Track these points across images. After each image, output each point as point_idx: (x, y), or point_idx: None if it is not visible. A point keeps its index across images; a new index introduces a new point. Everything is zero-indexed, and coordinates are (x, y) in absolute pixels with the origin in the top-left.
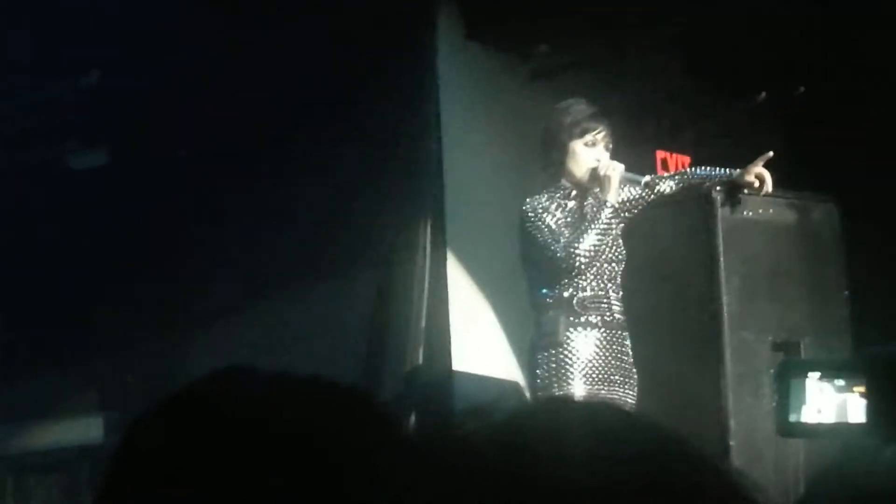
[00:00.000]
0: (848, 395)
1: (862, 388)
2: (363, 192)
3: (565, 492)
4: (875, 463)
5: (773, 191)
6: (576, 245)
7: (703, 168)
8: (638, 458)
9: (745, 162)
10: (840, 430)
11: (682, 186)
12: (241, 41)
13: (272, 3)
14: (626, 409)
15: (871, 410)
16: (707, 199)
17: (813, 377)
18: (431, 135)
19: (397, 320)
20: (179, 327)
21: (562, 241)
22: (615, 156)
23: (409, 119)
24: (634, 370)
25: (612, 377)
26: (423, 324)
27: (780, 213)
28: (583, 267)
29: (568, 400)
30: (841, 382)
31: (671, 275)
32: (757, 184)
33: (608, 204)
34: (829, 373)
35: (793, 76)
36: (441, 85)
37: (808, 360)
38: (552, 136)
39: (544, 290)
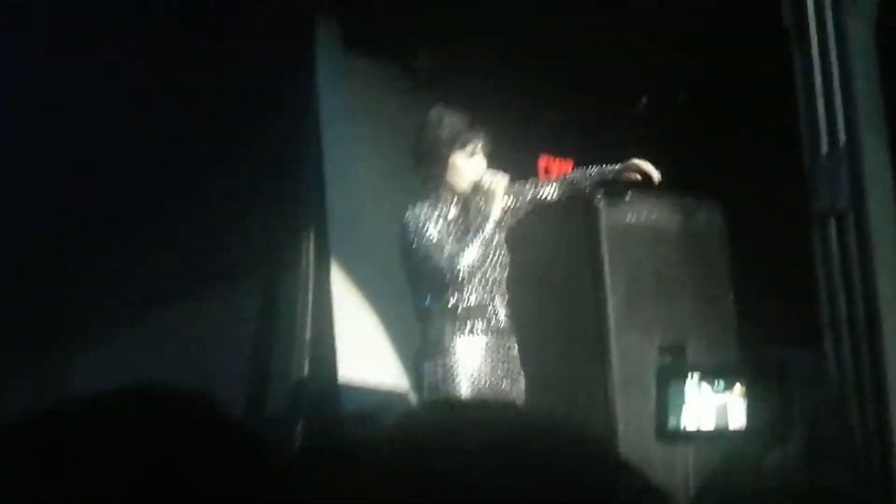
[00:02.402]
0: (728, 399)
1: (741, 392)
2: (244, 204)
3: (459, 488)
4: (758, 468)
5: (657, 195)
6: (458, 258)
7: (582, 169)
8: (531, 450)
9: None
10: (721, 436)
11: (564, 190)
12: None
13: (153, 15)
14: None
15: (750, 415)
16: (590, 206)
17: (692, 381)
18: (312, 145)
19: (282, 332)
20: (60, 343)
21: (445, 252)
22: (496, 162)
23: (290, 130)
24: (522, 375)
25: (499, 384)
26: (308, 335)
27: (664, 216)
28: (465, 279)
29: (454, 400)
30: (720, 386)
31: (557, 280)
32: (638, 177)
33: (492, 217)
34: (708, 377)
35: (675, 81)
36: (321, 95)
37: (686, 365)
38: (429, 150)
39: (428, 300)
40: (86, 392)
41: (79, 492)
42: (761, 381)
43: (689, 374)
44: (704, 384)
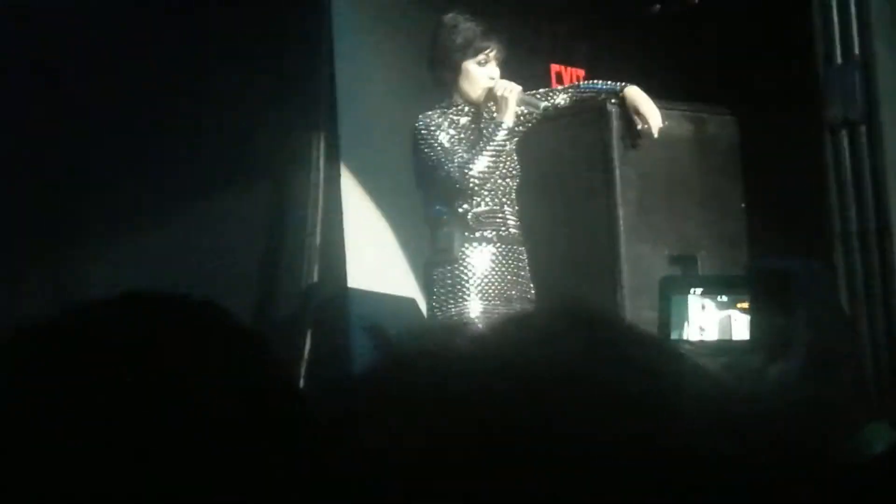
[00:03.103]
0: (731, 312)
1: (745, 304)
2: (252, 109)
3: (484, 398)
4: (760, 382)
5: (669, 104)
6: (470, 166)
7: (595, 82)
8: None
9: (640, 76)
10: (723, 348)
11: (575, 100)
12: None
13: None
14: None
15: (754, 327)
16: (602, 113)
17: (695, 294)
18: (323, 50)
19: (291, 237)
20: (64, 248)
21: (455, 160)
22: (509, 70)
23: (299, 35)
24: (531, 286)
25: (508, 293)
26: (318, 240)
27: (676, 125)
28: (476, 187)
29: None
30: (724, 299)
31: (567, 189)
32: (640, 125)
33: (504, 126)
34: (712, 289)
35: None
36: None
37: (688, 277)
38: (443, 56)
39: (438, 207)
40: (87, 299)
41: (80, 403)
42: (765, 292)
43: (692, 288)
44: (707, 297)
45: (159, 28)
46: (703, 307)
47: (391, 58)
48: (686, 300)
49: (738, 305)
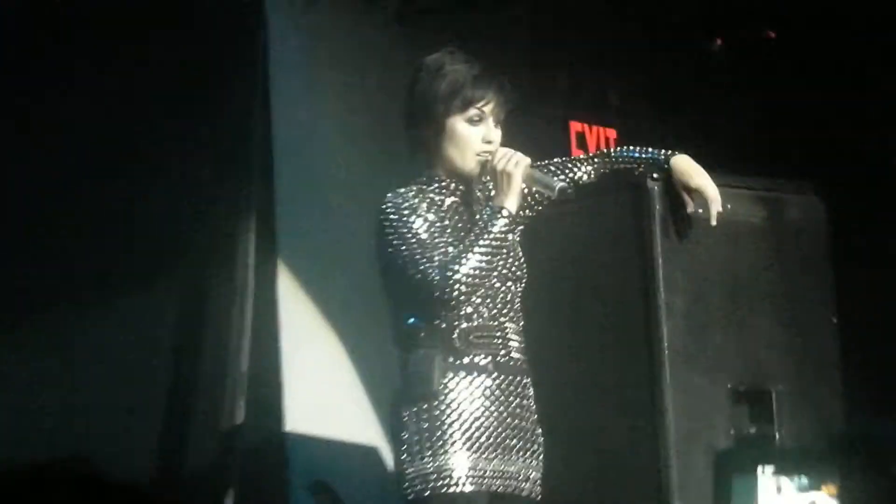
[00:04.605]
0: (816, 497)
1: (833, 488)
2: (169, 186)
3: None
4: None
5: (733, 178)
6: (456, 266)
7: (630, 148)
8: None
9: (691, 141)
10: None
11: (604, 173)
12: None
13: None
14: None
15: None
16: (640, 191)
17: (765, 475)
18: (255, 104)
19: (208, 360)
20: None
21: (436, 257)
22: (512, 131)
23: (229, 84)
24: (539, 430)
25: (507, 442)
26: (245, 365)
27: (743, 209)
28: (465, 295)
29: None
30: (804, 480)
31: (591, 295)
32: (691, 207)
33: (504, 212)
34: (787, 468)
35: (760, 16)
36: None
37: (758, 449)
38: (422, 108)
39: (412, 321)
40: None
41: None
42: (862, 470)
43: (761, 466)
44: (783, 478)
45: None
46: (780, 489)
47: (346, 109)
48: (753, 482)
49: (825, 488)
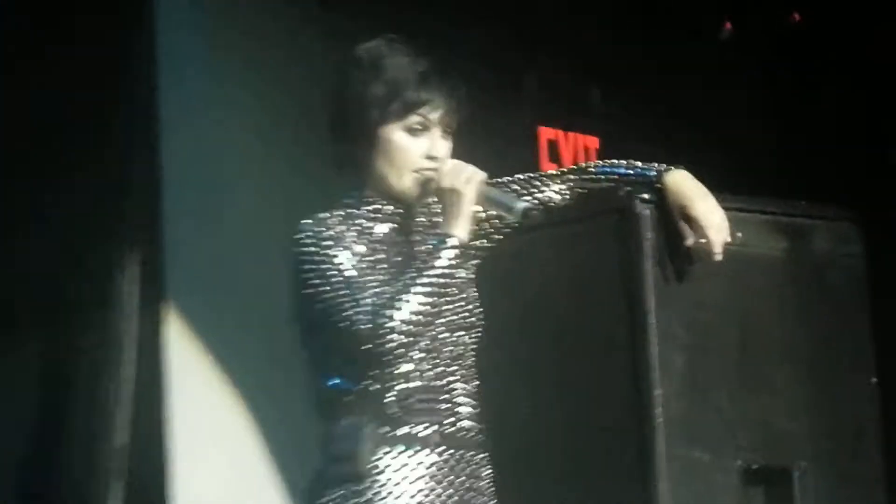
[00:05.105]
0: None
1: None
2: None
3: None
4: None
5: (743, 200)
6: (391, 311)
7: (616, 162)
8: None
9: (692, 152)
10: None
11: (581, 192)
12: None
13: None
14: None
15: None
16: (626, 216)
17: None
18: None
19: (81, 425)
20: None
21: (367, 300)
22: (465, 138)
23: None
24: None
25: None
26: (125, 437)
27: (757, 239)
28: (403, 347)
29: None
30: None
31: (564, 350)
32: (690, 239)
33: (452, 240)
34: None
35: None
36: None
37: None
38: (352, 113)
39: (336, 381)
40: None
41: None
42: None
43: None
44: None
45: None
46: None
47: (253, 118)
48: None
49: None
